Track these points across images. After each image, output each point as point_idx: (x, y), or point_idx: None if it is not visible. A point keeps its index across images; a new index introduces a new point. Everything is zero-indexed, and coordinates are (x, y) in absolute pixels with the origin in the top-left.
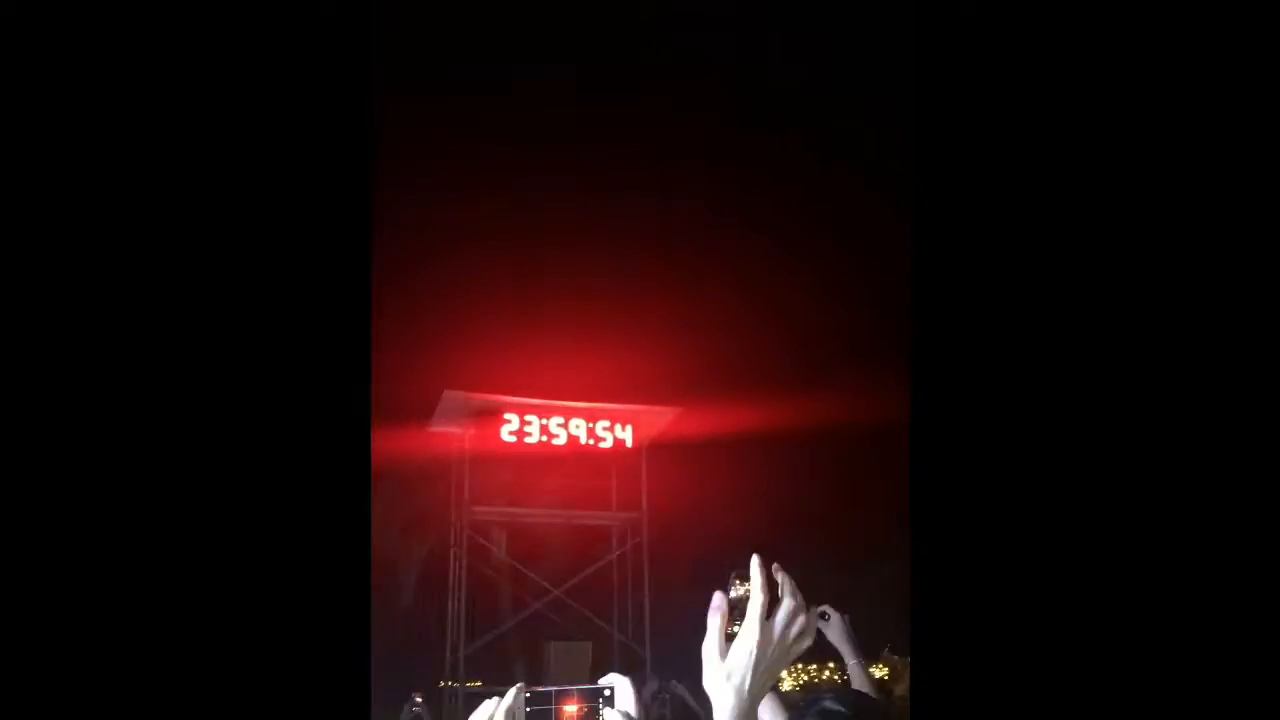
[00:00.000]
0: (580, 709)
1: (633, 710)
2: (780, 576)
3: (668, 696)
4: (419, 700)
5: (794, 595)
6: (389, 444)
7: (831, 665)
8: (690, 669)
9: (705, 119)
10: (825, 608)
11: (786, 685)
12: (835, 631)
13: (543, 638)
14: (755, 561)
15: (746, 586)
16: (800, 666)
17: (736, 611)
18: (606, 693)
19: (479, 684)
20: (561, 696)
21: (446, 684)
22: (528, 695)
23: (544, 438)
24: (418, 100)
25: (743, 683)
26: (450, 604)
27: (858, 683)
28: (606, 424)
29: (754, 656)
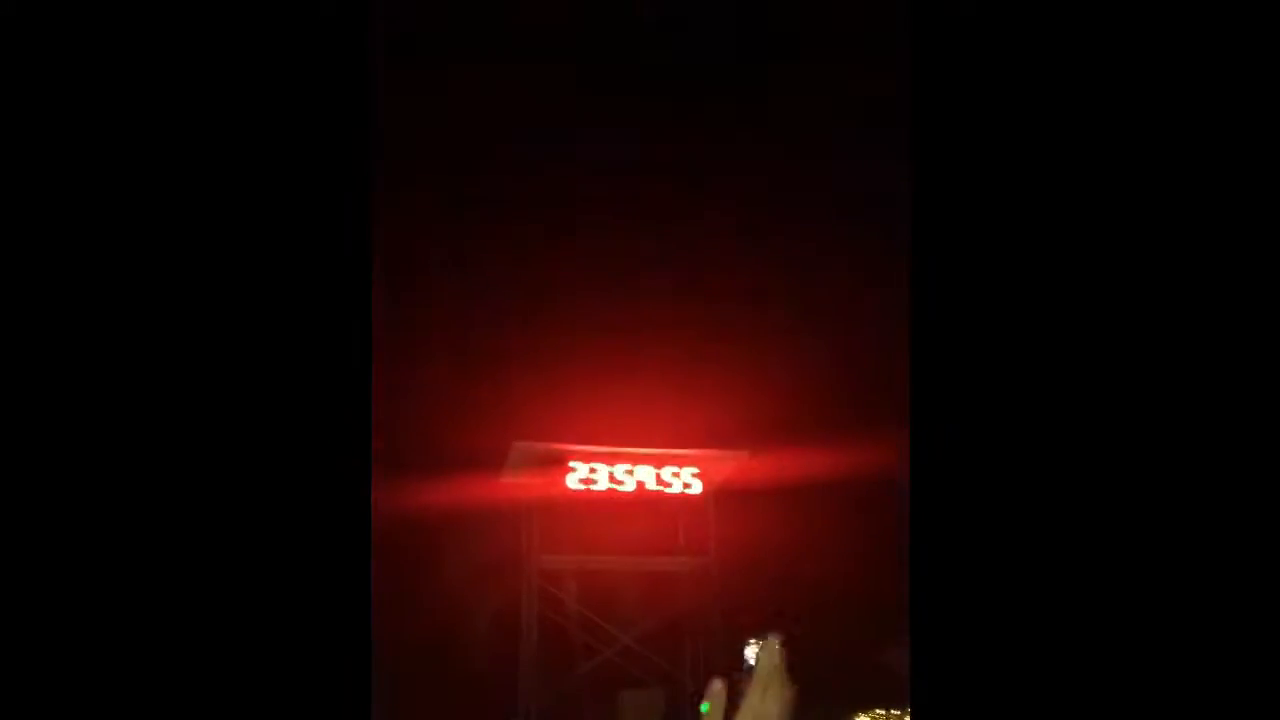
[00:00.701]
0: None
1: None
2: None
3: None
4: None
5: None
6: (460, 494)
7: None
8: None
9: (778, 161)
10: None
11: None
12: None
13: (615, 685)
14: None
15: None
16: (880, 712)
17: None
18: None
19: None
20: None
21: None
22: None
23: (611, 484)
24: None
25: None
26: (521, 652)
27: None
28: (674, 469)
29: None
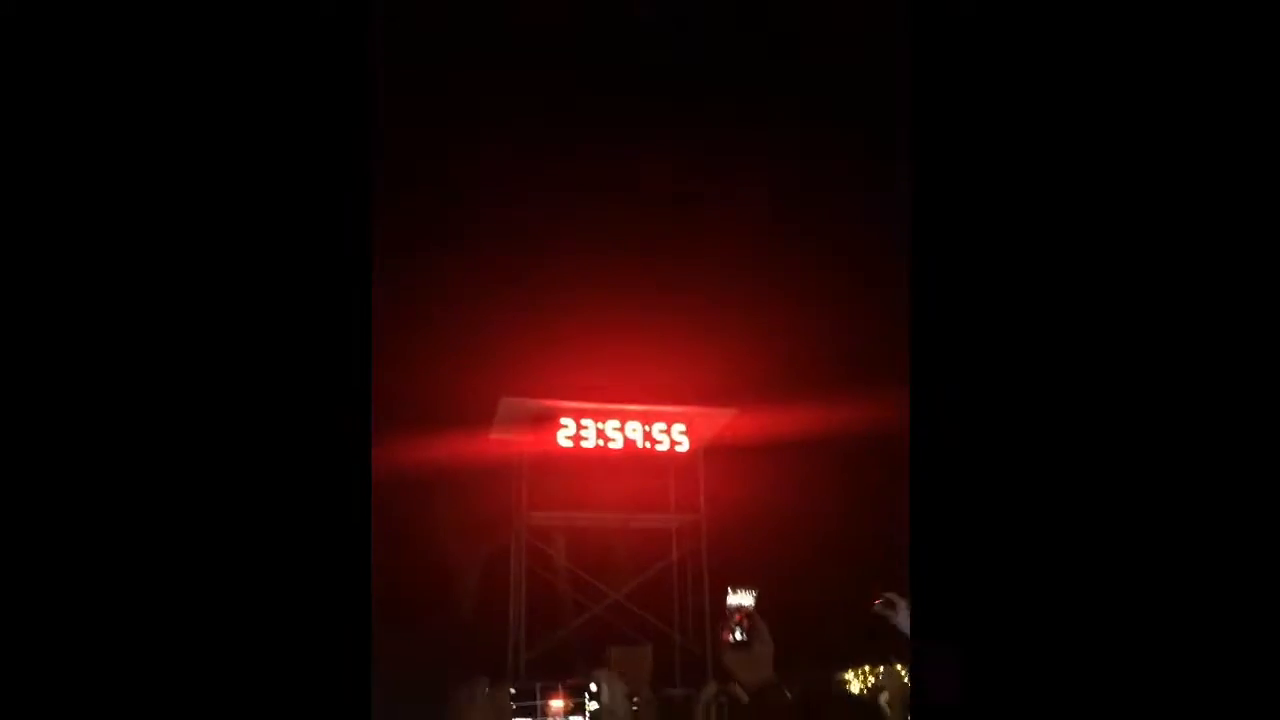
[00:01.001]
0: (566, 704)
1: (619, 709)
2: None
3: (725, 700)
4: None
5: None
6: (449, 450)
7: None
8: None
9: (768, 128)
10: (890, 595)
11: (855, 688)
12: (905, 618)
13: (603, 641)
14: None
15: (739, 594)
16: (868, 669)
17: (735, 620)
18: (593, 687)
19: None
20: (547, 691)
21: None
22: (513, 691)
23: (600, 441)
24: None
25: None
26: (511, 607)
27: None
28: (663, 427)
29: None
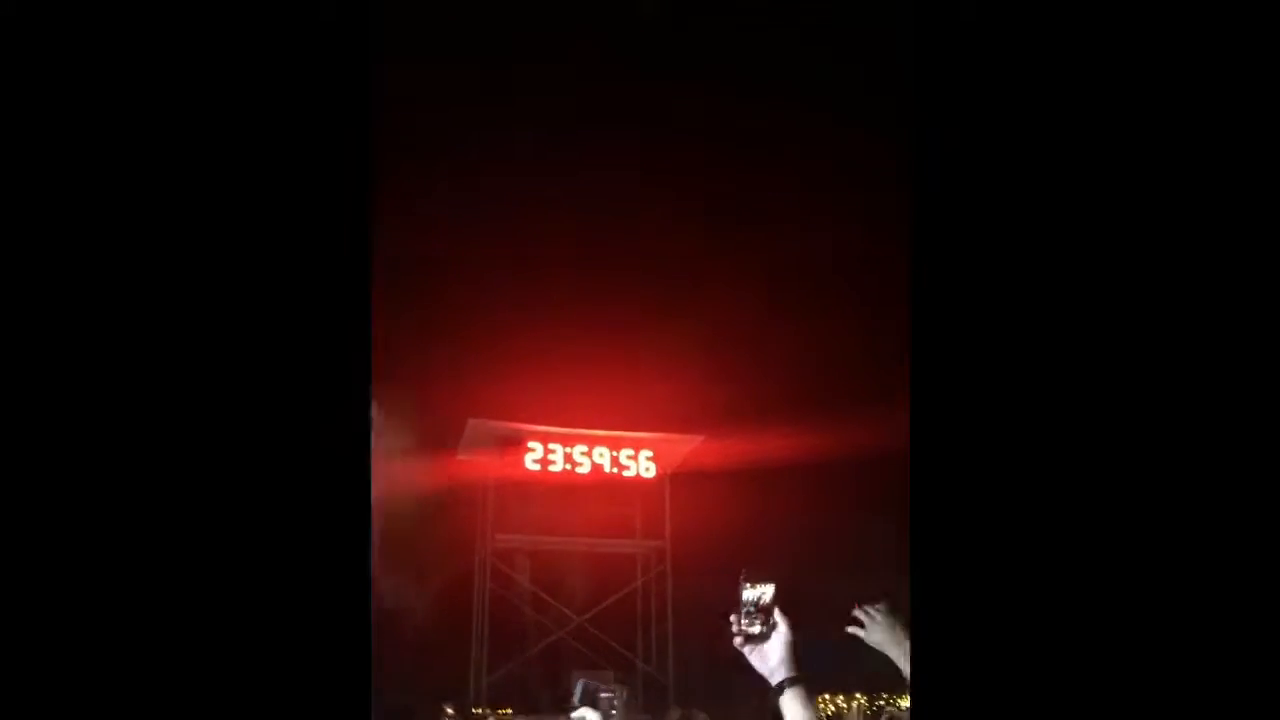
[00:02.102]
0: None
1: None
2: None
3: None
4: (450, 713)
5: None
6: (415, 472)
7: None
8: (713, 696)
9: (734, 151)
10: (858, 612)
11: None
12: (878, 632)
13: (566, 665)
14: None
15: (759, 587)
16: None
17: (755, 611)
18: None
19: (508, 711)
20: None
21: (480, 710)
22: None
23: (568, 466)
24: (433, 126)
25: None
26: (474, 630)
27: None
28: (630, 452)
29: None
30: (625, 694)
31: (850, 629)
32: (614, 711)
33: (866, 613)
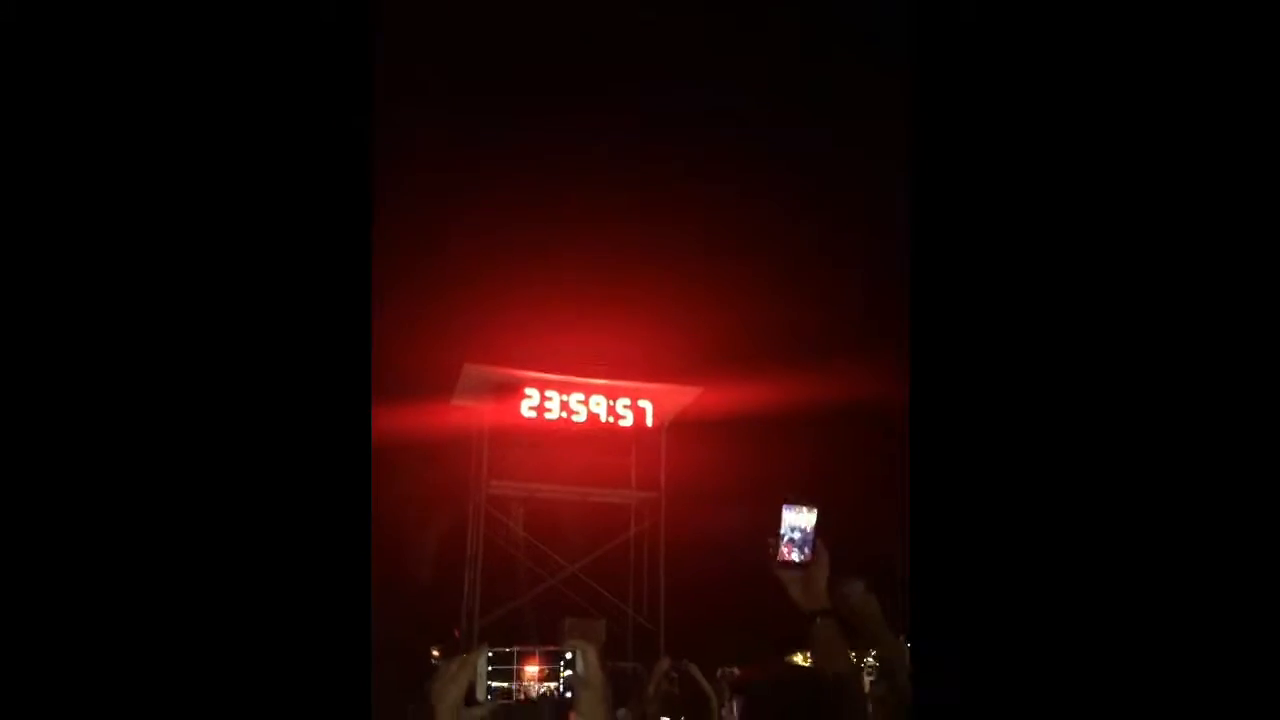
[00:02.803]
0: (541, 670)
1: (594, 678)
2: None
3: (675, 675)
4: (436, 655)
5: None
6: (410, 417)
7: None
8: (703, 647)
9: (732, 108)
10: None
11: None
12: (859, 592)
13: (558, 613)
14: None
15: (802, 510)
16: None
17: (799, 537)
18: (569, 655)
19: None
20: (523, 656)
21: (465, 653)
22: (490, 655)
23: (564, 414)
24: (434, 78)
25: None
26: (467, 576)
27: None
28: (627, 402)
29: None
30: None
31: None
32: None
33: (845, 582)
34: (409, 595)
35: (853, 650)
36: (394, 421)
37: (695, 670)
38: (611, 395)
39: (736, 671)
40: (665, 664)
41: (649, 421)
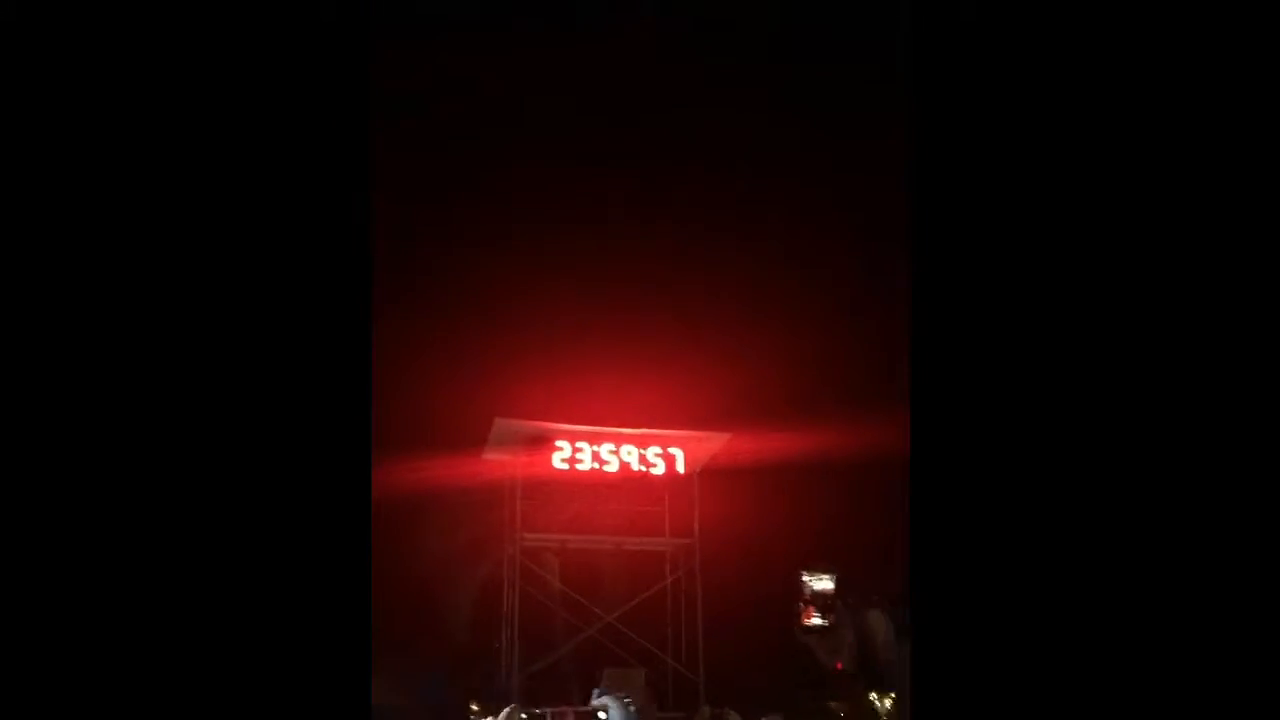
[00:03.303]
0: None
1: None
2: None
3: None
4: (475, 710)
5: None
6: (443, 472)
7: None
8: (743, 694)
9: (750, 160)
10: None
11: None
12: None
13: (597, 664)
14: None
15: (823, 577)
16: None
17: (817, 601)
18: (601, 715)
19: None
20: (556, 716)
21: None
22: (523, 715)
23: (595, 464)
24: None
25: None
26: (504, 630)
27: None
28: (658, 450)
29: None
30: (642, 699)
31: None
32: (631, 708)
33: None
34: (446, 653)
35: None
36: (426, 475)
37: (737, 717)
38: (642, 444)
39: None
40: (707, 713)
41: (680, 468)
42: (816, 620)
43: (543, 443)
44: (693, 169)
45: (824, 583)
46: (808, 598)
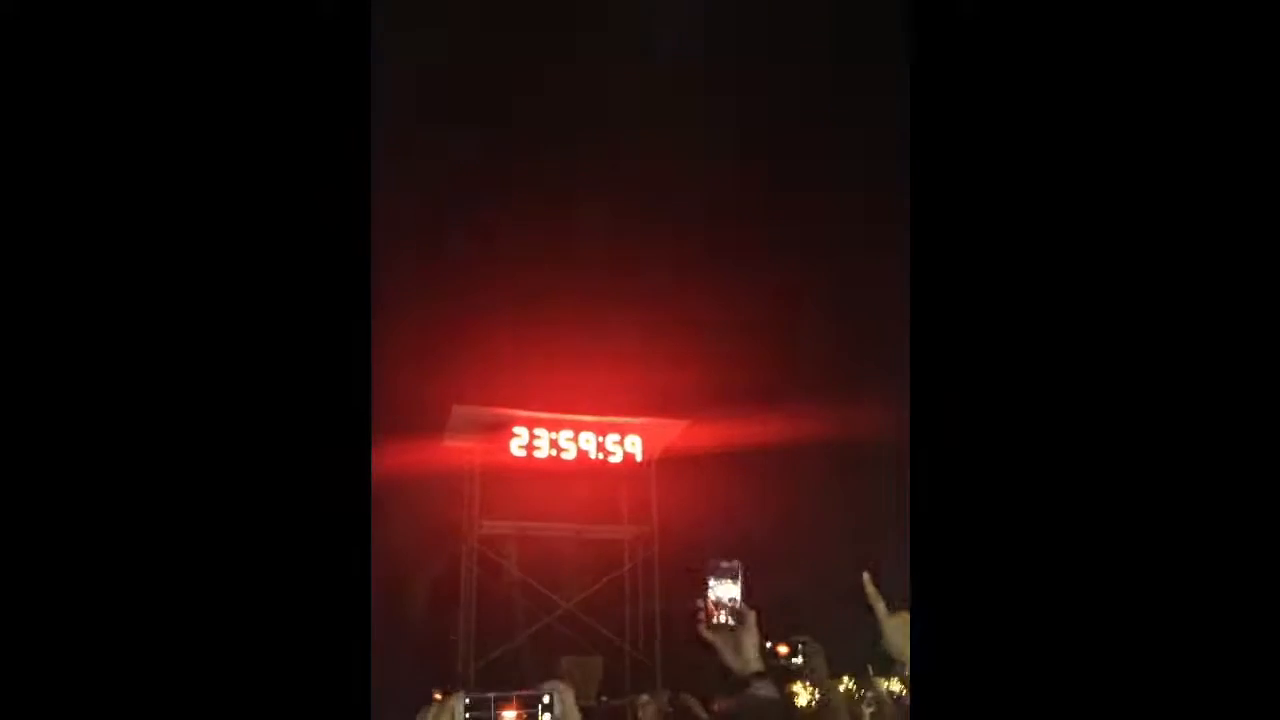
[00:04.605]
0: (519, 715)
1: (571, 715)
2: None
3: (672, 710)
4: (438, 698)
5: None
6: (401, 458)
7: None
8: (702, 681)
9: (712, 154)
10: (799, 640)
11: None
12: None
13: (555, 652)
14: None
15: (725, 581)
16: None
17: (724, 601)
18: (545, 699)
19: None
20: (500, 702)
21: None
22: (467, 701)
23: (553, 451)
24: (428, 118)
25: None
26: (461, 618)
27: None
28: (616, 437)
29: None
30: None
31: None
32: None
33: (797, 647)
34: (406, 638)
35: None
36: (386, 462)
37: (694, 703)
38: (600, 431)
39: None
40: (664, 698)
41: (638, 456)
42: (722, 618)
43: (501, 429)
44: (658, 168)
45: (727, 587)
46: (713, 597)
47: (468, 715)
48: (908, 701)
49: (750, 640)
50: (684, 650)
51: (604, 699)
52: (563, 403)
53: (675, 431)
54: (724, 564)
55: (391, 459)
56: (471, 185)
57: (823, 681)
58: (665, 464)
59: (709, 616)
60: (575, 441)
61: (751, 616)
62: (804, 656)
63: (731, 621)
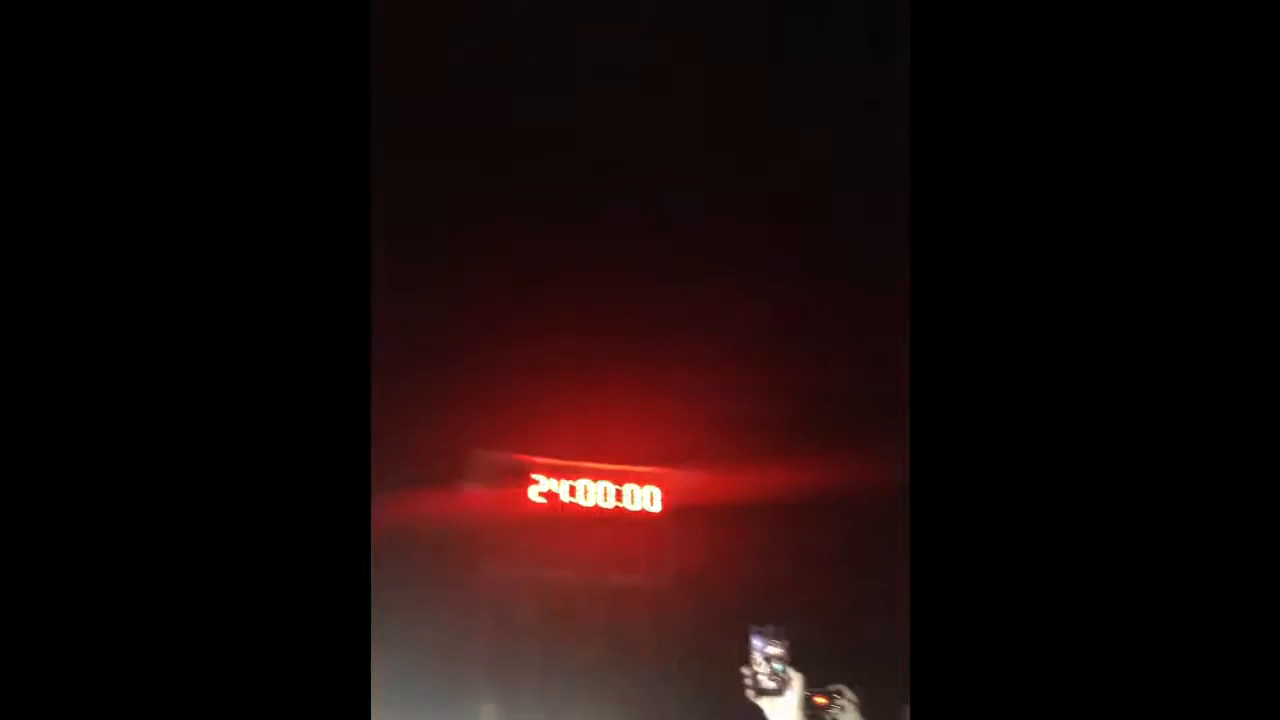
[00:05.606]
0: None
1: None
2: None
3: None
4: None
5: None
6: (417, 505)
7: None
8: None
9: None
10: (837, 688)
11: None
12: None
13: (568, 701)
14: None
15: (772, 642)
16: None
17: (768, 663)
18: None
19: None
20: None
21: None
22: None
23: (572, 499)
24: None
25: None
26: (479, 663)
27: None
28: (635, 487)
29: None
30: None
31: (821, 710)
32: None
33: (839, 691)
34: (420, 681)
35: None
36: (402, 507)
37: None
38: (618, 480)
39: None
40: None
41: (657, 506)
42: (769, 684)
43: (517, 475)
44: (675, 214)
45: (773, 646)
46: (759, 660)
47: None
48: None
49: (796, 702)
50: (700, 703)
51: None
52: (582, 451)
53: (695, 482)
54: (768, 629)
55: (408, 506)
56: (488, 232)
57: None
58: (684, 513)
59: (756, 683)
60: (594, 490)
61: (798, 680)
62: (843, 705)
63: (777, 686)
